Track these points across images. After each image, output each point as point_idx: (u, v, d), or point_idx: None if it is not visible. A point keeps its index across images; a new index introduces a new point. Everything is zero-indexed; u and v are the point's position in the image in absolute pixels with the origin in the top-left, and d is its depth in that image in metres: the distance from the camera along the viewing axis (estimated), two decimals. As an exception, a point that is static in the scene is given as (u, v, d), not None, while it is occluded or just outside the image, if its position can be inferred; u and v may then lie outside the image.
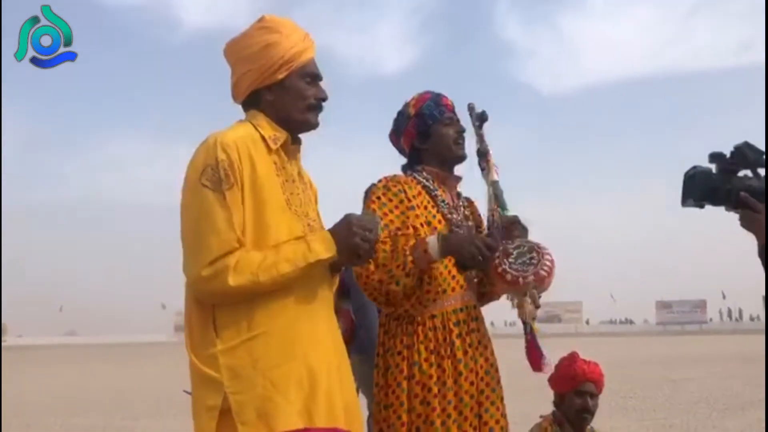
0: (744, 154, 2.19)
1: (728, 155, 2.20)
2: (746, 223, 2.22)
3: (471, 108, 2.59)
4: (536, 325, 2.35)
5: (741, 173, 2.21)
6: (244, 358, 1.77)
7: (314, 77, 2.01)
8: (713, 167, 2.21)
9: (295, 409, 1.75)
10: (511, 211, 2.47)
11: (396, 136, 2.60)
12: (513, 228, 2.40)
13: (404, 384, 2.29)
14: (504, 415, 2.39)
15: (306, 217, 1.94)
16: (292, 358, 1.79)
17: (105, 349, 49.64)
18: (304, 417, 1.76)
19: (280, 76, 1.94)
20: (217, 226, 1.77)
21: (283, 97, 1.96)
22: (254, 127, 1.94)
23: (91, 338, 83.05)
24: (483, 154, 2.57)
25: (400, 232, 2.31)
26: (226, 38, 2.02)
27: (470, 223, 2.55)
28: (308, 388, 1.79)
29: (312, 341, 1.84)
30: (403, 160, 2.62)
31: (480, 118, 2.59)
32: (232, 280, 1.74)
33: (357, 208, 2.51)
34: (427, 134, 2.50)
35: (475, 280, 2.51)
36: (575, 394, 3.00)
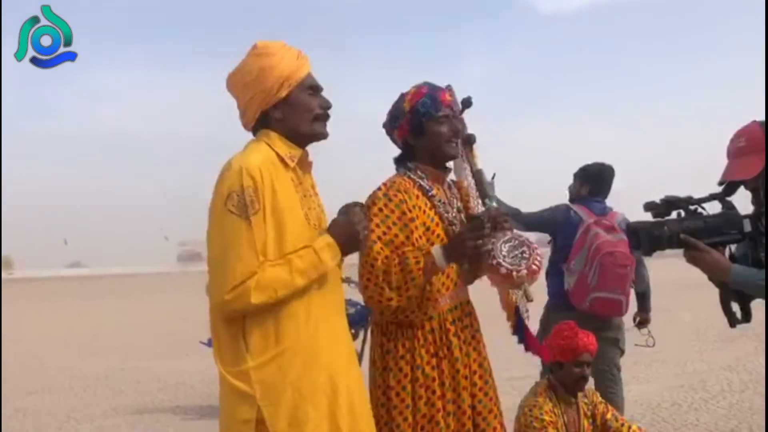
0: (675, 198, 2.39)
1: (659, 202, 2.40)
2: (693, 261, 2.41)
3: (449, 89, 2.58)
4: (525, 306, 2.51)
5: (674, 214, 2.41)
6: (275, 372, 1.91)
7: (315, 89, 2.10)
8: (650, 215, 2.42)
9: (323, 415, 1.95)
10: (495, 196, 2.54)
11: (389, 128, 2.58)
12: (500, 220, 2.44)
13: (408, 387, 2.35)
14: (497, 404, 2.51)
15: (321, 229, 2.09)
16: (316, 369, 1.95)
17: (111, 281, 50.31)
18: (331, 421, 1.96)
19: (284, 93, 2.03)
20: (241, 253, 1.88)
21: (290, 112, 2.05)
22: (269, 146, 2.04)
23: (96, 270, 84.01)
24: (468, 142, 2.60)
25: (407, 249, 2.34)
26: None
27: (462, 215, 2.58)
28: (331, 394, 1.98)
29: (331, 350, 2.02)
30: (397, 151, 2.61)
31: (464, 104, 2.61)
32: (254, 299, 1.88)
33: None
34: (421, 131, 2.48)
35: (465, 266, 2.55)
36: (574, 364, 3.20)
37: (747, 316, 2.58)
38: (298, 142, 2.09)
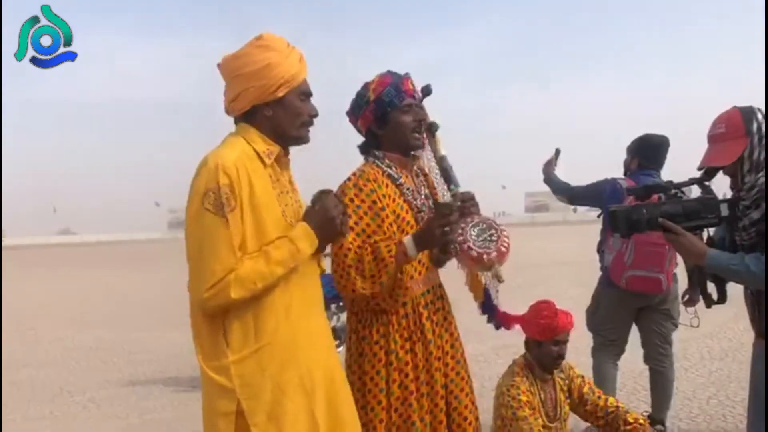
0: (655, 185, 2.46)
1: (642, 189, 2.46)
2: (671, 245, 2.48)
3: (408, 78, 2.59)
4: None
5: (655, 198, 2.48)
6: (254, 367, 1.96)
7: (308, 95, 2.14)
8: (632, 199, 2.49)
9: (301, 409, 2.01)
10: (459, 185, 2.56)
11: (354, 117, 2.60)
12: (470, 204, 2.50)
13: (383, 371, 2.44)
14: (468, 382, 2.60)
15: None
16: (296, 364, 2.01)
17: (102, 248, 50.23)
18: (309, 415, 2.02)
19: (280, 94, 2.05)
20: (219, 251, 1.91)
21: (281, 113, 2.08)
22: (247, 141, 2.05)
23: (86, 237, 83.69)
24: (430, 129, 2.62)
25: (378, 238, 2.40)
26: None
27: (430, 201, 2.63)
28: (309, 388, 2.04)
29: (310, 344, 2.07)
30: (360, 138, 2.66)
31: (424, 92, 2.64)
32: (234, 294, 1.91)
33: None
34: (385, 121, 2.51)
35: (436, 251, 2.60)
36: (552, 343, 3.29)
37: (723, 298, 2.67)
38: (280, 141, 2.11)
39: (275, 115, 2.08)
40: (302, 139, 2.15)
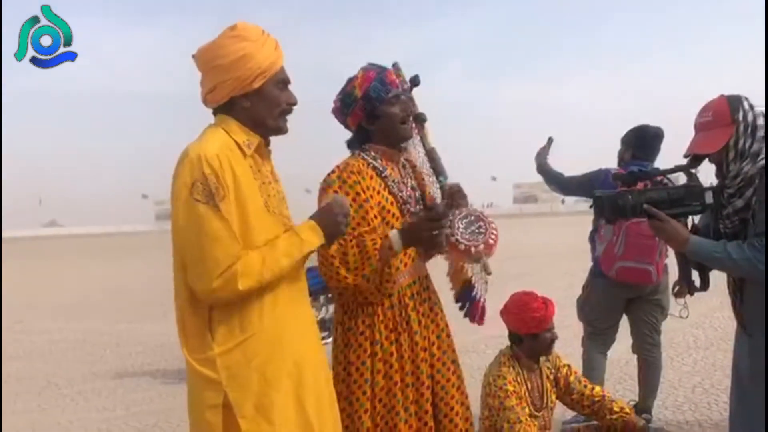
0: (641, 171, 2.47)
1: (628, 175, 2.47)
2: (655, 231, 2.50)
3: (396, 68, 2.62)
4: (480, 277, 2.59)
5: (640, 186, 2.49)
6: (240, 358, 1.94)
7: (285, 83, 2.11)
8: (617, 185, 2.50)
9: (289, 399, 2.01)
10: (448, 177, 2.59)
11: (342, 115, 2.60)
12: (457, 196, 2.52)
13: (368, 362, 2.45)
14: (455, 372, 2.61)
15: (282, 216, 2.10)
16: (282, 354, 2.00)
17: (89, 240, 49.97)
18: (297, 405, 2.02)
19: (257, 85, 2.02)
20: (219, 239, 1.89)
21: (259, 104, 2.05)
22: (227, 133, 2.03)
23: (73, 229, 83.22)
24: (419, 120, 2.63)
25: (363, 230, 2.41)
26: None
27: (417, 193, 2.64)
28: (296, 378, 2.03)
29: (296, 335, 2.07)
30: (348, 134, 2.66)
31: (413, 82, 2.64)
32: (242, 285, 1.90)
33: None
34: (375, 115, 2.53)
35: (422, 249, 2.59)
36: (547, 331, 3.33)
37: (705, 285, 2.69)
38: (260, 131, 2.09)
39: (253, 106, 2.06)
40: (281, 129, 2.13)
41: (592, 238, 4.27)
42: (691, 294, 2.70)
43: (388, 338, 2.48)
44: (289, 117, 2.15)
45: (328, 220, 2.10)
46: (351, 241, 2.37)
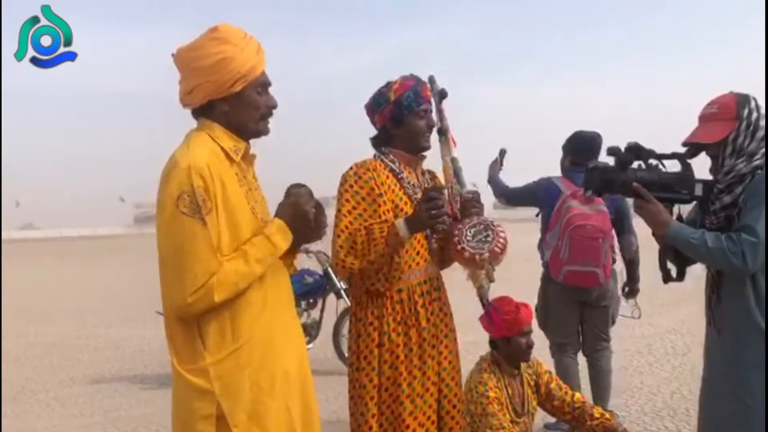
0: (638, 148, 2.49)
1: (623, 150, 2.49)
2: (639, 211, 2.52)
3: (431, 81, 2.73)
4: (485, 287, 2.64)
5: (635, 165, 2.50)
6: (233, 367, 1.94)
7: (266, 86, 2.09)
8: (612, 160, 2.51)
9: (281, 405, 2.01)
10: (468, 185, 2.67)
11: (371, 113, 2.74)
12: (470, 205, 2.59)
13: (375, 351, 2.59)
14: (458, 373, 2.73)
15: (266, 222, 2.09)
16: (273, 360, 2.00)
17: (66, 243, 49.40)
18: (286, 410, 2.02)
19: (237, 89, 2.00)
20: (199, 255, 1.87)
21: (239, 108, 2.03)
22: (212, 139, 2.01)
23: (49, 232, 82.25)
24: (443, 132, 2.71)
25: (372, 221, 2.52)
26: None
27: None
28: (286, 383, 2.03)
29: (284, 339, 2.07)
30: (373, 131, 2.78)
31: (440, 95, 2.74)
32: (218, 297, 1.90)
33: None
34: (401, 122, 2.66)
35: (435, 244, 2.73)
36: (520, 335, 3.35)
37: (681, 276, 2.70)
38: (240, 135, 2.07)
39: (232, 110, 2.04)
40: (261, 132, 2.12)
41: (540, 246, 4.32)
42: (666, 282, 2.68)
43: (396, 330, 2.60)
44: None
45: (297, 216, 2.08)
46: (361, 230, 2.50)
